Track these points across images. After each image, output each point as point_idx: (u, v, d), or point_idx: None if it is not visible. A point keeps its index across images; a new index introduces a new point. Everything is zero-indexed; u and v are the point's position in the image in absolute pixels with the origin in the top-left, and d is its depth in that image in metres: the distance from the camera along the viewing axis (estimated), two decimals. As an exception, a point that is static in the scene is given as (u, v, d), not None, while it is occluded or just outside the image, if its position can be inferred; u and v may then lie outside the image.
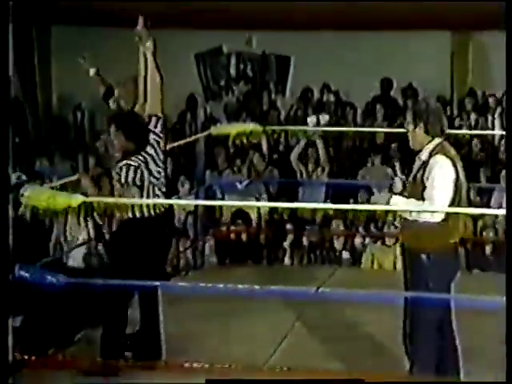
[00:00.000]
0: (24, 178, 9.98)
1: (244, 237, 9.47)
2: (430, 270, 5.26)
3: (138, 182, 5.92)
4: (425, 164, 5.29)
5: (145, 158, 5.95)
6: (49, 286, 6.28)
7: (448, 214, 5.19)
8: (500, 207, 9.15)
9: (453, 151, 5.36)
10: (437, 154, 5.27)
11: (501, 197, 9.82)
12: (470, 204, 7.98)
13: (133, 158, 5.93)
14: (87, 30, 11.89)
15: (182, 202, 9.48)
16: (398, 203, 5.25)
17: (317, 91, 12.44)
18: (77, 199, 5.43)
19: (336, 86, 12.30)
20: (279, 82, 13.01)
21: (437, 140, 5.33)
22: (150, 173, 5.96)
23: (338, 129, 10.57)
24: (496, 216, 9.31)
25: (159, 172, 6.02)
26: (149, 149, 5.98)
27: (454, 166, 5.27)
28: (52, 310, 7.02)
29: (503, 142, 10.50)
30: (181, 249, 9.00)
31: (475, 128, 11.11)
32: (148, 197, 5.95)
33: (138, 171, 5.91)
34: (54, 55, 12.79)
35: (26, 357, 5.96)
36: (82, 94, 12.07)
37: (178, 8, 11.19)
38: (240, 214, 9.57)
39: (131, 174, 5.90)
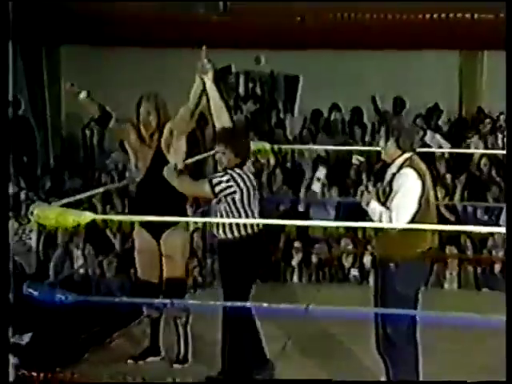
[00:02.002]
0: (31, 196, 10.02)
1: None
2: (397, 278, 5.48)
3: (230, 193, 5.90)
4: (393, 176, 5.52)
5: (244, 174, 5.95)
6: (57, 303, 6.27)
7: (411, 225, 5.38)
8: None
9: (423, 166, 5.60)
10: (406, 167, 5.50)
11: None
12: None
13: (237, 171, 5.92)
14: (96, 49, 11.94)
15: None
16: (376, 209, 5.45)
17: (325, 111, 12.48)
18: (86, 217, 5.44)
19: (345, 106, 12.33)
20: (287, 100, 13.03)
21: (407, 154, 5.56)
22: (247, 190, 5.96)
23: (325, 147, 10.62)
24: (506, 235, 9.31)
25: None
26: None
27: (422, 179, 5.49)
28: (60, 328, 7.04)
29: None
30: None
31: (486, 147, 11.10)
32: (235, 212, 5.93)
33: (231, 183, 5.89)
34: (64, 75, 12.84)
35: (34, 374, 5.97)
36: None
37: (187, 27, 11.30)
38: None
39: (230, 183, 5.88)
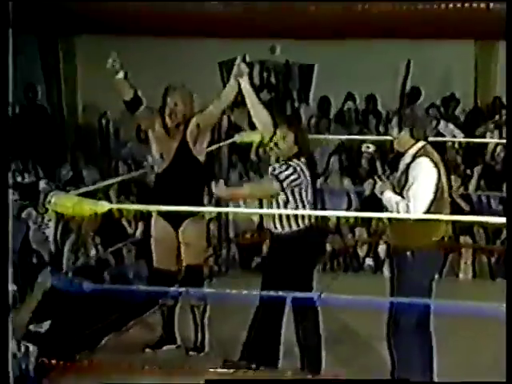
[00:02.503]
0: (51, 185, 10.06)
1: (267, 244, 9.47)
2: (413, 267, 5.52)
3: (296, 185, 5.93)
4: (408, 166, 5.53)
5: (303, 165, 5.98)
6: (74, 291, 6.32)
7: (428, 214, 5.40)
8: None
9: (436, 155, 5.61)
10: (420, 156, 5.52)
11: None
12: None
13: (296, 162, 5.96)
14: (112, 39, 11.95)
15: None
16: (392, 199, 5.48)
17: (340, 100, 12.48)
18: (103, 206, 5.49)
19: (360, 95, 12.33)
20: (302, 90, 13.03)
21: (420, 143, 5.58)
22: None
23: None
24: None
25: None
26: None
27: (437, 168, 5.52)
28: (78, 316, 7.08)
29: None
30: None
31: (501, 137, 11.07)
32: (300, 204, 5.95)
33: (297, 174, 5.94)
34: (80, 65, 12.87)
35: (53, 361, 6.02)
36: (108, 103, 12.17)
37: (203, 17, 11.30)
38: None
39: (294, 175, 5.92)
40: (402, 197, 5.48)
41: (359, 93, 12.38)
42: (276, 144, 6.04)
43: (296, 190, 5.94)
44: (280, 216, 5.93)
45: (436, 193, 5.50)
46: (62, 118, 12.80)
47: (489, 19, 11.10)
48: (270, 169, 6.05)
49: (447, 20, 11.12)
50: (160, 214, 6.37)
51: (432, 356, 5.73)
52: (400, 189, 5.54)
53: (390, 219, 5.69)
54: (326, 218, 6.14)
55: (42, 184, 10.24)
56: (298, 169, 5.94)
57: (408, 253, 5.55)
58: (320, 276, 6.47)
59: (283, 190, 5.91)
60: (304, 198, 5.97)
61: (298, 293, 5.82)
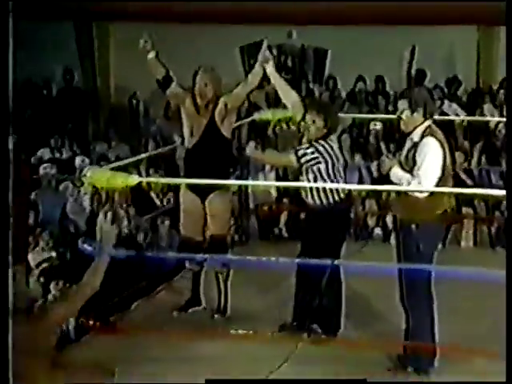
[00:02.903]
0: (87, 160, 10.07)
1: (285, 215, 9.45)
2: (418, 237, 5.52)
3: (315, 163, 5.96)
4: (416, 145, 5.49)
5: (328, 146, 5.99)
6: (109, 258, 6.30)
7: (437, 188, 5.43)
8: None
9: (440, 134, 5.57)
10: (427, 136, 5.49)
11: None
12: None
13: (322, 143, 5.98)
14: (143, 26, 11.92)
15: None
16: (398, 174, 5.49)
17: (351, 82, 12.42)
18: (133, 179, 5.50)
19: (370, 77, 12.27)
20: (316, 72, 12.97)
21: (426, 122, 5.55)
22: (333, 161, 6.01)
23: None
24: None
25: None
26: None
27: (442, 147, 5.49)
28: (111, 281, 7.07)
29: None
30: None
31: (501, 115, 11.00)
32: (328, 180, 5.97)
33: (318, 154, 5.96)
34: (112, 50, 12.87)
35: (91, 322, 6.05)
36: (138, 84, 12.17)
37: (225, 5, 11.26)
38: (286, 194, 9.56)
39: (314, 155, 5.95)
40: (411, 174, 5.46)
41: (369, 75, 12.30)
42: (306, 128, 6.05)
43: (315, 168, 5.95)
44: (312, 191, 5.98)
45: (442, 170, 5.49)
46: (96, 99, 12.80)
47: (491, 6, 11.02)
48: (297, 147, 6.08)
49: (451, 6, 11.03)
50: (188, 186, 6.37)
51: (433, 316, 5.72)
52: (407, 165, 5.52)
53: (398, 193, 5.68)
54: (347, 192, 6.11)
55: (78, 160, 10.26)
56: (322, 149, 5.96)
57: (413, 225, 5.54)
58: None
59: (300, 164, 5.94)
60: (325, 177, 5.98)
61: (315, 260, 5.85)
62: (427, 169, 5.43)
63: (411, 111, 5.56)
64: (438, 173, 5.46)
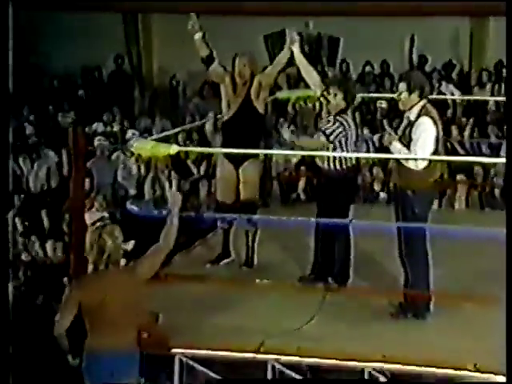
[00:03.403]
0: (136, 133, 10.07)
1: (303, 181, 9.40)
2: (414, 202, 5.50)
3: (342, 137, 5.91)
4: (412, 123, 5.44)
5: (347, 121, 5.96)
6: (153, 217, 6.34)
7: (430, 163, 5.43)
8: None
9: (435, 112, 5.52)
10: (423, 115, 5.43)
11: (508, 150, 9.67)
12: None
13: (344, 117, 5.94)
14: (183, 17, 11.86)
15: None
16: (397, 147, 5.46)
17: (361, 65, 12.33)
18: (173, 148, 5.54)
19: (376, 61, 12.19)
20: (330, 57, 12.90)
21: (422, 102, 5.48)
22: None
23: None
24: (503, 165, 9.20)
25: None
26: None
27: (435, 125, 5.44)
28: (156, 236, 7.08)
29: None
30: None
31: (492, 94, 10.92)
32: (344, 149, 5.93)
33: (342, 128, 5.92)
34: (155, 38, 12.83)
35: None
36: (177, 67, 12.16)
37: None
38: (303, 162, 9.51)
39: (340, 129, 5.90)
40: (408, 149, 5.44)
41: (375, 59, 12.22)
42: (327, 99, 6.02)
43: (343, 140, 5.93)
44: (329, 158, 5.95)
45: (436, 145, 5.46)
46: (142, 80, 12.78)
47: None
48: (321, 125, 6.04)
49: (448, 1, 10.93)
50: (225, 156, 6.35)
51: (429, 268, 5.71)
52: (405, 140, 5.48)
53: (399, 163, 5.63)
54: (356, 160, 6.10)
55: (129, 133, 10.27)
56: (345, 123, 5.93)
57: (409, 191, 5.53)
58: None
59: (331, 141, 5.91)
60: (348, 145, 5.96)
61: (332, 219, 5.89)
62: (422, 145, 5.41)
63: (409, 92, 5.50)
64: (431, 148, 5.44)
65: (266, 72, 6.32)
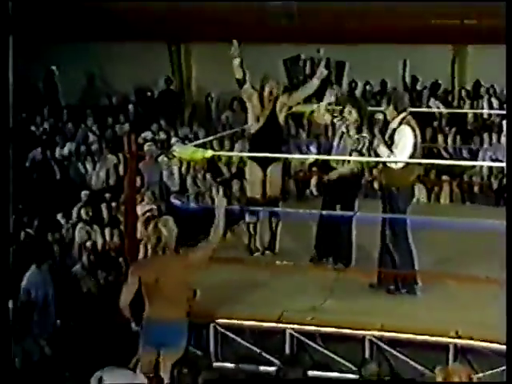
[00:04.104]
0: (179, 140, 10.00)
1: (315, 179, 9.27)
2: (398, 197, 5.52)
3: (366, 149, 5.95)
4: (394, 130, 5.50)
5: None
6: (191, 209, 6.30)
7: (406, 164, 5.47)
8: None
9: (414, 123, 5.56)
10: (403, 124, 5.49)
11: (484, 155, 9.54)
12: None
13: (363, 134, 5.96)
14: (214, 46, 11.85)
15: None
16: (382, 149, 5.50)
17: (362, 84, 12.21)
18: (209, 153, 5.58)
19: (375, 81, 12.07)
20: (338, 77, 12.76)
21: (402, 115, 5.53)
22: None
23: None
24: (481, 167, 9.11)
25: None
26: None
27: (414, 132, 5.47)
28: (193, 225, 7.02)
29: (492, 118, 10.22)
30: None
31: (471, 108, 10.76)
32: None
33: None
34: (194, 63, 12.83)
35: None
36: (211, 86, 12.15)
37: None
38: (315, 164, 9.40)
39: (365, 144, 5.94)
40: (391, 151, 5.47)
41: (374, 80, 12.10)
42: (344, 116, 6.03)
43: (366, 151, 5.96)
44: (344, 162, 5.98)
45: (413, 149, 5.48)
46: (183, 97, 12.77)
47: (463, 30, 10.82)
48: (352, 146, 5.98)
49: (435, 31, 10.74)
50: (253, 159, 6.29)
51: (412, 255, 5.65)
52: (389, 144, 5.52)
53: (384, 164, 5.60)
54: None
55: (172, 139, 10.22)
56: (366, 140, 5.95)
57: (393, 188, 5.53)
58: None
59: (362, 155, 5.96)
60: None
61: (339, 211, 5.88)
62: (401, 148, 5.45)
63: (393, 107, 5.54)
64: (410, 151, 5.45)
65: (293, 95, 6.30)
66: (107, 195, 8.80)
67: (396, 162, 5.45)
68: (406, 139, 5.44)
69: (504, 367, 4.55)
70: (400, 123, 5.49)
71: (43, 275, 6.52)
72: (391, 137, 5.52)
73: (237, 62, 6.18)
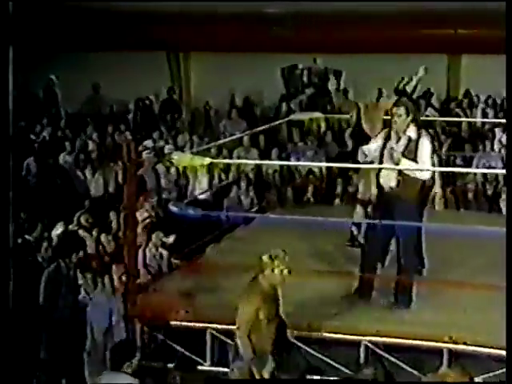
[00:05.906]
0: (172, 147, 10.00)
1: (312, 186, 9.26)
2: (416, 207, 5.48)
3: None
4: (411, 139, 5.37)
5: None
6: (190, 216, 6.30)
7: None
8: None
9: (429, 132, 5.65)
10: (424, 135, 5.40)
11: (478, 162, 9.55)
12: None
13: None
14: (212, 56, 11.89)
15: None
16: (406, 163, 5.36)
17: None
18: (207, 160, 5.52)
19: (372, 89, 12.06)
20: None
21: (417, 124, 5.46)
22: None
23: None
24: (475, 174, 9.08)
25: None
26: None
27: (432, 143, 5.50)
28: (195, 230, 7.01)
29: (485, 126, 10.21)
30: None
31: (466, 116, 10.77)
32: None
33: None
34: (192, 72, 12.87)
35: (177, 261, 6.03)
36: (209, 95, 12.18)
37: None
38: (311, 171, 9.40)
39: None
40: (416, 162, 5.35)
41: (369, 88, 12.08)
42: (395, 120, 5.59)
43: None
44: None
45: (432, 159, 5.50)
46: (181, 106, 12.76)
47: (456, 39, 10.88)
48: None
49: (429, 41, 10.80)
50: None
51: (422, 256, 5.73)
52: (409, 155, 5.35)
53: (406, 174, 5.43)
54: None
55: (166, 148, 10.19)
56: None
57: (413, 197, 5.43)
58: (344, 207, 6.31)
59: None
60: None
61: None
62: (426, 159, 5.37)
63: (406, 115, 5.40)
64: (430, 162, 5.43)
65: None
66: (107, 202, 8.78)
67: (421, 171, 5.35)
68: (429, 151, 5.38)
69: (500, 371, 4.54)
70: (419, 134, 5.38)
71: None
72: (407, 147, 5.37)
73: None
